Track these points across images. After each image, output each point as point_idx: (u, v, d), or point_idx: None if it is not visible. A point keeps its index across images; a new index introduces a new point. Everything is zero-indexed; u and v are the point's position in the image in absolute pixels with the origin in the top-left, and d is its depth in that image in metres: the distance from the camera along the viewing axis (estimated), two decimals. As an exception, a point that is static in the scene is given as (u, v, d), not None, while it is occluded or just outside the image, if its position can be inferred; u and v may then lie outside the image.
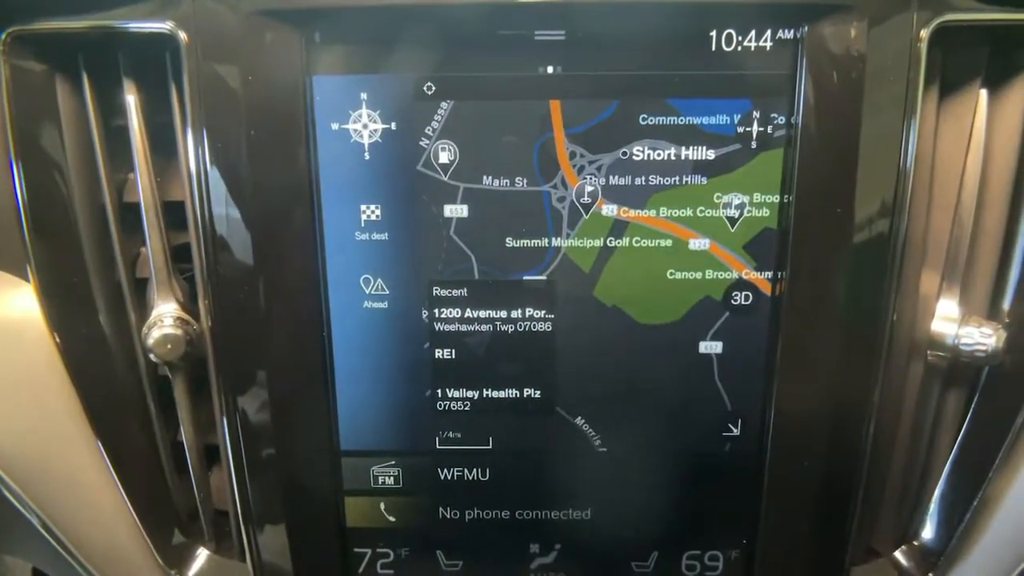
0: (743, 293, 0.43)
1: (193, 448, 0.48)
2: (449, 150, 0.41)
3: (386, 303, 0.43)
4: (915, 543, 0.49)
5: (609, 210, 0.42)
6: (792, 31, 0.39)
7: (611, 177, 0.41)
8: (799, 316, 0.42)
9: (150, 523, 0.49)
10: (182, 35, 0.39)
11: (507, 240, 0.42)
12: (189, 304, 0.46)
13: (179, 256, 0.46)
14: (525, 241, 0.42)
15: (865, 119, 0.39)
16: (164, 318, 0.45)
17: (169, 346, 0.44)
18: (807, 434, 0.44)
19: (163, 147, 0.44)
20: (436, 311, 0.44)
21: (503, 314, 0.43)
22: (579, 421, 0.45)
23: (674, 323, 0.43)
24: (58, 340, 0.44)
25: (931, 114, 0.42)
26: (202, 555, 0.51)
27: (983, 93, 0.42)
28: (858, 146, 0.39)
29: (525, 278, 0.43)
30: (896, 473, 0.48)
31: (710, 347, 0.44)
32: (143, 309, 0.47)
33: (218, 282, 0.43)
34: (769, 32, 0.39)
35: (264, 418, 0.45)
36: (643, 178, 0.41)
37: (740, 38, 0.39)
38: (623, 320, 0.43)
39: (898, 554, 0.49)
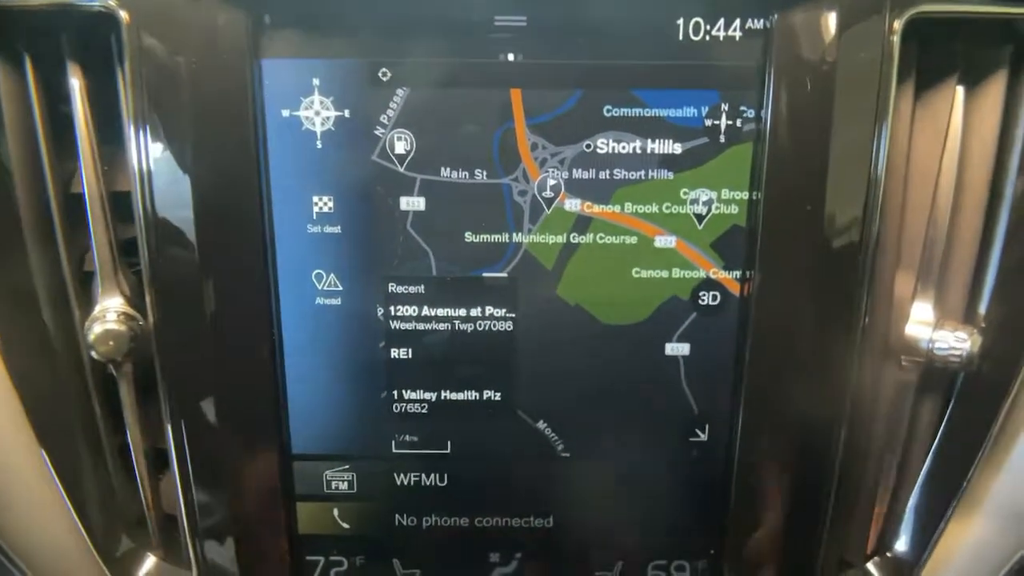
0: (711, 293, 0.41)
1: (140, 451, 0.46)
2: (405, 140, 0.39)
3: (339, 299, 0.41)
4: (888, 554, 0.47)
5: (572, 204, 0.40)
6: (762, 20, 0.37)
7: (574, 170, 0.39)
8: (769, 318, 0.41)
9: (95, 530, 0.47)
10: (123, 14, 0.37)
11: (466, 235, 0.40)
12: (136, 300, 0.44)
13: (130, 250, 0.44)
14: (485, 236, 0.40)
15: (836, 113, 0.37)
16: (108, 313, 0.43)
17: (111, 343, 0.42)
18: (777, 440, 0.43)
19: (111, 135, 0.42)
20: (392, 308, 0.42)
21: (462, 312, 0.42)
22: (541, 425, 0.43)
23: (639, 324, 0.42)
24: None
25: (905, 111, 0.41)
26: (149, 562, 0.49)
27: (959, 90, 0.41)
28: (829, 141, 0.38)
29: (485, 275, 0.41)
30: (868, 481, 0.46)
31: (676, 349, 0.42)
32: (89, 306, 0.45)
33: (162, 276, 0.41)
34: (738, 21, 0.37)
35: (211, 420, 0.43)
36: (607, 172, 0.40)
37: (708, 27, 0.37)
38: (587, 320, 0.41)
39: (870, 565, 0.47)
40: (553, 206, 0.40)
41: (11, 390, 0.44)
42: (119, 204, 0.43)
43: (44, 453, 0.45)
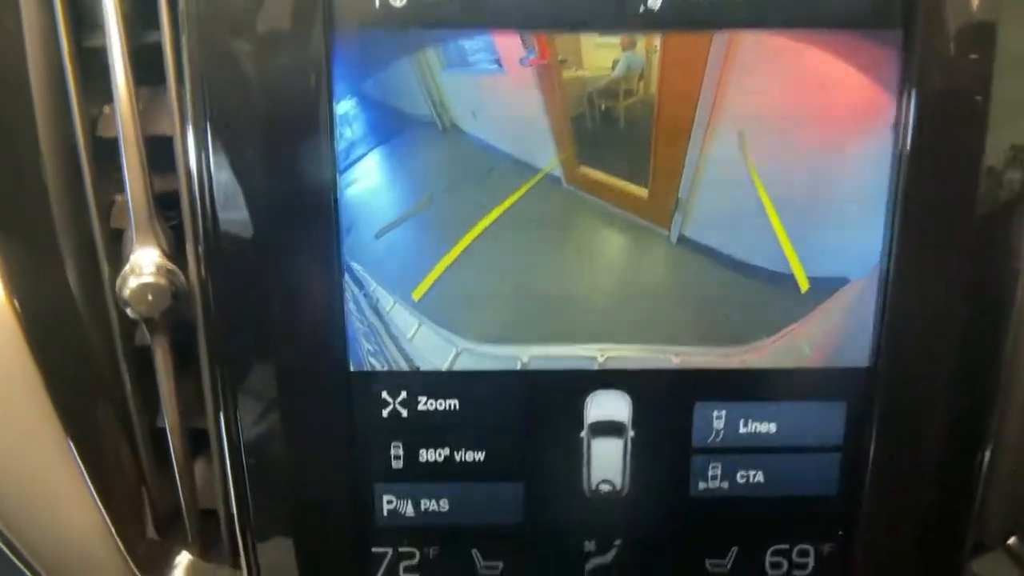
0: None
1: (177, 432, 0.40)
2: None
3: None
4: (1026, 534, 0.42)
5: None
6: None
7: None
8: (910, 291, 0.36)
9: (122, 524, 0.41)
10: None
11: None
12: (174, 254, 0.39)
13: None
14: None
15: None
16: (144, 266, 0.37)
17: (151, 297, 0.36)
18: (917, 405, 0.37)
19: (146, 71, 0.37)
20: None
21: None
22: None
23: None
24: (17, 306, 0.37)
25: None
26: (184, 560, 0.42)
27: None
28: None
29: None
30: (1007, 459, 0.41)
31: None
32: (119, 264, 0.39)
33: (214, 224, 0.35)
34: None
35: (266, 394, 0.37)
36: None
37: None
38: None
39: (1012, 543, 0.42)
40: None
41: (32, 363, 0.38)
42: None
43: (67, 435, 0.39)
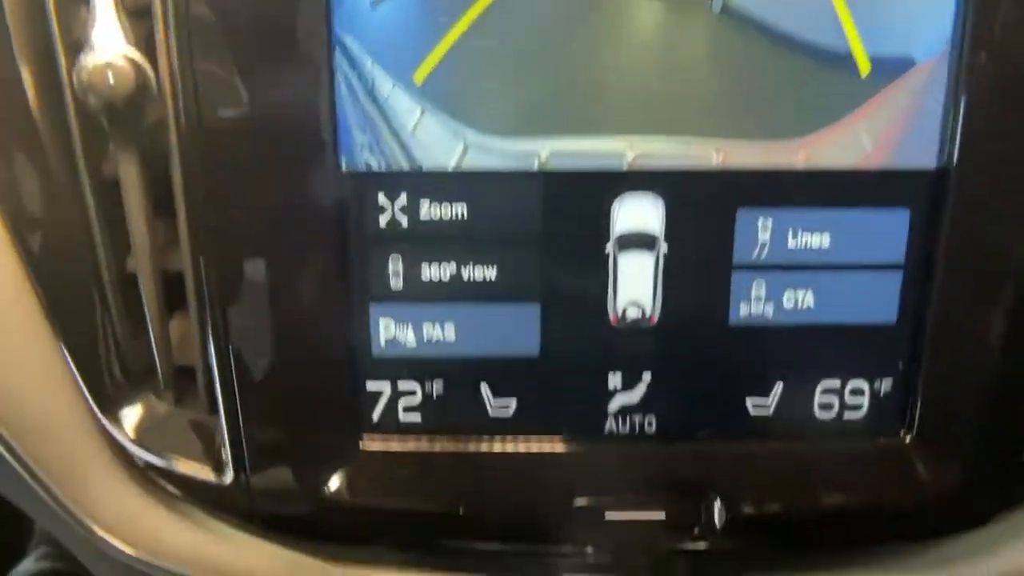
0: None
1: (147, 267, 0.36)
2: None
3: None
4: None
5: None
6: None
7: None
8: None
9: (87, 370, 0.37)
10: None
11: None
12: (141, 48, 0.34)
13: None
14: None
15: None
16: (105, 46, 0.32)
17: (112, 79, 0.31)
18: (992, 216, 0.32)
19: None
20: None
21: None
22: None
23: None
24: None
25: None
26: (154, 405, 0.38)
27: None
28: None
29: None
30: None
31: None
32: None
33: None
34: None
35: (245, 198, 0.33)
36: None
37: None
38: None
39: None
40: None
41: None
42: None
43: (29, 273, 0.36)
